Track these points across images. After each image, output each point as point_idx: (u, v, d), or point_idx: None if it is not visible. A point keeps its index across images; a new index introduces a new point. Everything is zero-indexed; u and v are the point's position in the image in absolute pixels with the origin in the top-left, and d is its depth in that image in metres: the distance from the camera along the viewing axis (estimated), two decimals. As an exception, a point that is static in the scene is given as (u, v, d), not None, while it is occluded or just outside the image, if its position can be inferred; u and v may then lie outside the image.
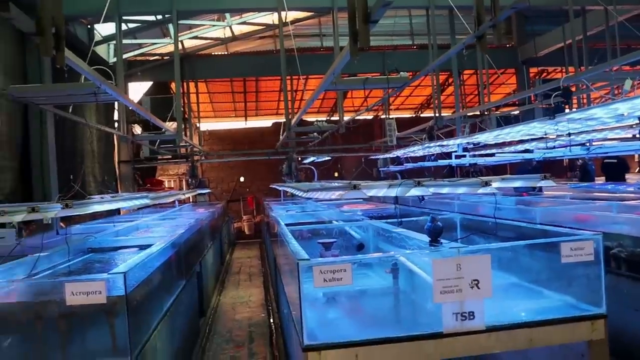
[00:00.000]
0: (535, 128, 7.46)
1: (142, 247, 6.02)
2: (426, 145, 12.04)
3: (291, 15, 15.79)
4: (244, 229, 21.89)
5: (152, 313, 4.36)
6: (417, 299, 4.28)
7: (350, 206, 11.11)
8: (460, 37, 12.88)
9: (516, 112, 14.68)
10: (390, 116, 18.48)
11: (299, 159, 17.59)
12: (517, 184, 4.18)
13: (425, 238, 4.54)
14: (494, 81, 21.98)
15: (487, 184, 3.83)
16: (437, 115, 11.46)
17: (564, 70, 18.85)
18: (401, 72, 6.30)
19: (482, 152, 11.48)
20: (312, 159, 16.24)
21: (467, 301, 3.64)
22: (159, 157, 17.64)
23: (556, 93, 7.01)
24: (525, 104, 14.11)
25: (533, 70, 19.70)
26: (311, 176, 17.73)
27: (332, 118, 22.44)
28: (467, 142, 11.50)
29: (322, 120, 18.61)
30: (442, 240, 4.05)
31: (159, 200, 7.31)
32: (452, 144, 11.62)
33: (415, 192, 3.77)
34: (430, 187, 3.79)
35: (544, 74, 21.52)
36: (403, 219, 6.50)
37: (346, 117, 17.12)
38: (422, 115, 25.18)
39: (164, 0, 10.44)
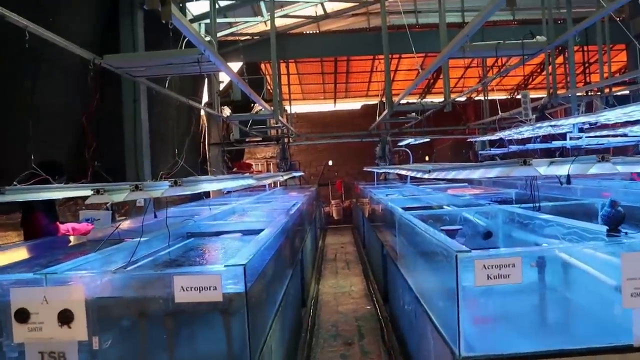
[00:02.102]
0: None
1: (245, 233, 5.51)
2: (537, 125, 11.05)
3: (386, -10, 14.99)
4: (333, 213, 21.37)
5: (268, 310, 3.78)
6: (582, 302, 3.52)
7: (455, 190, 10.35)
8: (579, 10, 11.80)
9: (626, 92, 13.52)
10: (488, 97, 17.53)
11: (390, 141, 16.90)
12: None
13: (584, 225, 3.78)
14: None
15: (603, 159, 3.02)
16: (551, 92, 10.44)
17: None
18: (537, 37, 5.48)
19: (605, 132, 10.37)
20: (408, 141, 15.44)
21: (665, 307, 2.90)
22: (247, 139, 17.28)
23: None
24: (636, 83, 12.94)
25: (645, 45, 18.11)
26: (406, 159, 16.98)
27: (425, 100, 21.48)
28: (584, 122, 10.46)
29: (413, 102, 17.79)
30: (625, 231, 3.27)
31: (262, 182, 6.78)
32: (568, 124, 10.58)
33: (596, 169, 3.01)
34: (619, 164, 3.01)
35: (659, 50, 19.87)
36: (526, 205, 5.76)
37: (435, 99, 16.29)
38: (517, 97, 23.76)
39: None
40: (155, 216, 5.53)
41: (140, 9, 9.19)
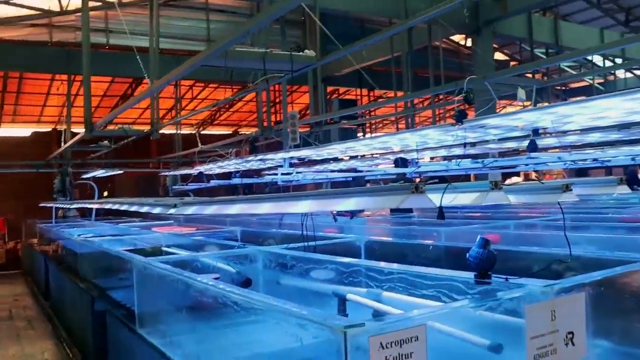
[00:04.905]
0: (431, 135, 6.32)
1: None
2: (248, 159, 10.46)
3: (74, 3, 13.21)
4: (-7, 257, 18.23)
5: None
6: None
7: (163, 228, 9.18)
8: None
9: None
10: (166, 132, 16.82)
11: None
12: (600, 190, 2.90)
13: (426, 271, 2.98)
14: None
15: (567, 188, 2.46)
16: (265, 125, 9.91)
17: (358, 92, 18.86)
18: (306, 50, 4.68)
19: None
20: (96, 172, 13.70)
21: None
22: None
23: (458, 97, 5.96)
24: (321, 124, 13.43)
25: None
26: (90, 193, 15.14)
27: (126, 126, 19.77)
28: (293, 157, 10.18)
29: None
30: (505, 277, 2.51)
31: None
32: (279, 158, 10.17)
33: (494, 198, 2.24)
34: (511, 192, 2.30)
35: (335, 94, 21.20)
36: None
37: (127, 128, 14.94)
38: (202, 132, 23.27)
39: None
40: None
41: None
